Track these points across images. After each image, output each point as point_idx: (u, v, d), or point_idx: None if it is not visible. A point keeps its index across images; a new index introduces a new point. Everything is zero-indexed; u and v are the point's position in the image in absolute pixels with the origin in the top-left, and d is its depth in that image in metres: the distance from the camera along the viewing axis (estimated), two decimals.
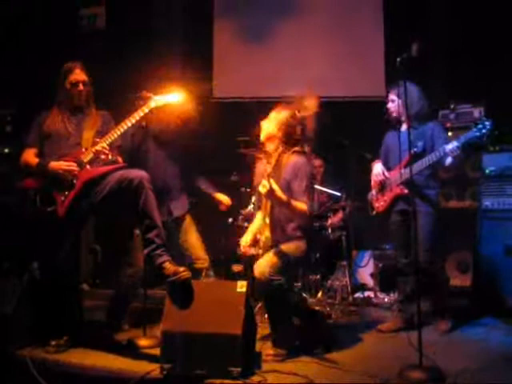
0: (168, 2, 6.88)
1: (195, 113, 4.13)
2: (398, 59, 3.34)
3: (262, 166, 3.84)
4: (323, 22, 6.96)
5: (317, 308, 4.69)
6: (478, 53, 5.93)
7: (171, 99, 3.72)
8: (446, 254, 4.85)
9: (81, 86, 3.75)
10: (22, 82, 5.71)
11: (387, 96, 4.47)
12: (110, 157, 3.61)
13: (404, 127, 4.20)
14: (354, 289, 5.48)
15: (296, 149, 3.71)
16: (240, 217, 5.27)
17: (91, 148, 3.62)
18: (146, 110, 3.63)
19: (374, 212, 4.40)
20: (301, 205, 3.55)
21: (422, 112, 4.21)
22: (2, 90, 5.50)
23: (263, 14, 6.97)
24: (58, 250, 3.58)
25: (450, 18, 6.29)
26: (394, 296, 5.17)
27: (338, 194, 5.71)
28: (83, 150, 3.64)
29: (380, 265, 5.61)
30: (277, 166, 3.65)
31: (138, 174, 3.54)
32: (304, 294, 4.94)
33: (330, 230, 5.50)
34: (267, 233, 3.65)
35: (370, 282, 5.79)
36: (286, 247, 3.61)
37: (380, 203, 4.34)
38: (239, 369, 3.02)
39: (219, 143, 6.27)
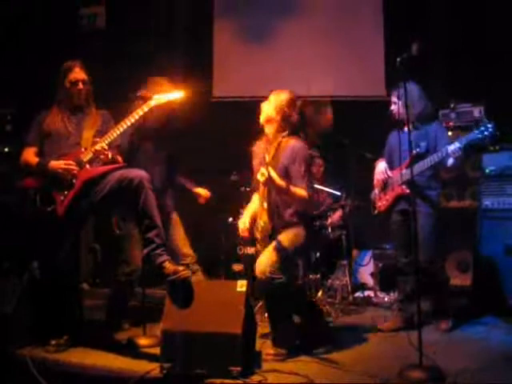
0: (168, 2, 6.88)
1: (179, 111, 4.12)
2: (398, 59, 3.34)
3: (260, 148, 3.80)
4: (323, 22, 6.95)
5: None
6: (477, 53, 5.93)
7: (171, 98, 3.72)
8: (446, 254, 4.85)
9: (80, 85, 3.75)
10: (22, 82, 5.71)
11: (387, 96, 4.47)
12: (109, 156, 3.61)
13: (407, 128, 4.21)
14: (354, 288, 5.48)
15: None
16: (240, 216, 5.27)
17: (91, 147, 3.61)
18: (146, 109, 3.63)
19: (376, 211, 4.41)
20: (300, 190, 3.54)
21: (425, 112, 4.22)
22: (2, 90, 5.50)
23: (263, 14, 6.97)
24: (57, 249, 3.58)
25: (450, 18, 6.29)
26: (393, 295, 5.18)
27: (338, 193, 5.71)
28: (83, 149, 3.64)
29: (380, 264, 5.61)
30: (276, 152, 3.60)
31: (137, 173, 3.53)
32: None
33: (330, 229, 5.50)
34: (265, 218, 3.59)
35: (370, 281, 5.80)
36: (285, 236, 3.58)
37: (382, 202, 4.35)
38: (239, 368, 3.02)
39: (219, 143, 6.29)
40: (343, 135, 5.65)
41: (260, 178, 3.45)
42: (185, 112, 4.02)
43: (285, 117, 3.68)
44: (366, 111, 6.41)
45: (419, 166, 4.05)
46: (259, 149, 3.82)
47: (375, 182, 4.42)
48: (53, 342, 3.54)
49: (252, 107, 3.88)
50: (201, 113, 6.29)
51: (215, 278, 5.06)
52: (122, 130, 3.61)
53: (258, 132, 3.81)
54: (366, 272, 5.89)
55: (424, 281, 3.87)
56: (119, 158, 3.71)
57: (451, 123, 5.30)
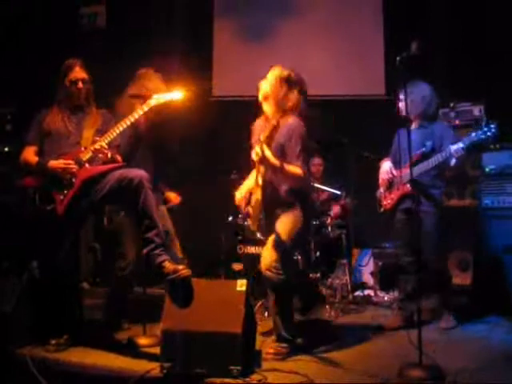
0: (168, 1, 6.88)
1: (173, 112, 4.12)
2: (398, 58, 3.34)
3: (259, 126, 3.76)
4: (323, 21, 6.97)
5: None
6: (477, 52, 5.94)
7: (171, 98, 3.72)
8: (446, 253, 4.86)
9: (80, 84, 3.74)
10: (22, 81, 5.71)
11: (387, 95, 4.49)
12: (108, 156, 3.61)
13: (413, 126, 4.28)
14: (353, 287, 5.49)
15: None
16: (239, 215, 5.27)
17: (90, 147, 3.61)
18: (146, 109, 3.63)
19: (382, 209, 4.44)
20: (294, 168, 3.51)
21: (431, 111, 4.26)
22: (2, 89, 5.50)
23: (263, 14, 6.98)
24: (57, 248, 3.58)
25: (450, 17, 6.29)
26: (393, 294, 5.18)
27: (338, 192, 5.72)
28: (82, 148, 3.63)
29: (380, 263, 5.61)
30: (273, 131, 3.54)
31: (137, 173, 3.53)
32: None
33: (329, 229, 5.51)
34: (259, 195, 3.56)
35: (370, 280, 5.80)
36: (282, 225, 3.57)
37: (387, 201, 4.38)
38: (239, 367, 3.02)
39: (219, 142, 6.29)
40: (342, 134, 5.65)
41: (254, 156, 3.45)
42: (180, 111, 4.00)
43: (281, 94, 3.63)
44: (365, 110, 6.42)
45: (423, 166, 4.09)
46: (258, 127, 3.77)
47: (380, 181, 4.45)
48: (53, 342, 3.53)
49: (252, 106, 3.88)
50: (200, 112, 6.30)
51: (215, 278, 5.06)
52: (121, 129, 3.60)
53: (259, 109, 3.77)
54: (366, 271, 5.89)
55: (428, 279, 3.96)
56: (119, 158, 3.71)
57: (452, 122, 5.30)
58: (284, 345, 3.52)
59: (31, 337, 3.59)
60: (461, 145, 3.97)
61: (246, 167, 3.94)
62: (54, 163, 3.55)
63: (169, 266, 3.33)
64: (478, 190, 4.95)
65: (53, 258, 3.60)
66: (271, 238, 3.58)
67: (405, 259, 4.23)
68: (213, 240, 5.71)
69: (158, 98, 3.68)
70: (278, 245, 3.53)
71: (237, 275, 4.90)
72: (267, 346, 3.58)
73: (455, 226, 4.91)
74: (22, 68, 5.80)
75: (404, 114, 4.21)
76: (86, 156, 3.59)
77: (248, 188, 3.74)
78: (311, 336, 3.81)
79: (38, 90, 4.72)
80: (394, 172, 4.33)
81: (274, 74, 3.69)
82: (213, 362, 3.04)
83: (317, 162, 6.23)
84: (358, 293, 5.52)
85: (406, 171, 4.17)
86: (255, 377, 3.06)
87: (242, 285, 3.23)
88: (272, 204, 3.63)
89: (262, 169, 3.57)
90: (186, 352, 3.08)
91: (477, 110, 5.28)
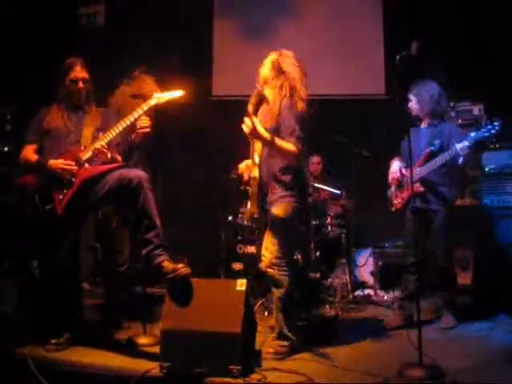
0: (168, 0, 6.88)
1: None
2: (398, 57, 3.35)
3: (262, 113, 3.74)
4: (323, 21, 6.98)
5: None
6: (477, 52, 5.94)
7: (171, 97, 3.72)
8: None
9: (80, 84, 3.74)
10: (22, 81, 5.71)
11: (387, 95, 4.51)
12: (108, 155, 3.61)
13: (423, 125, 4.33)
14: (353, 287, 5.49)
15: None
16: (239, 215, 5.28)
17: (90, 146, 3.61)
18: (145, 108, 3.63)
19: (393, 209, 4.45)
20: (287, 144, 3.49)
21: (440, 110, 4.29)
22: (2, 89, 5.49)
23: (263, 13, 6.99)
24: (57, 248, 3.57)
25: (450, 17, 6.30)
26: (393, 294, 5.19)
27: (338, 191, 5.72)
28: (82, 148, 3.63)
29: (380, 263, 5.62)
30: (259, 100, 3.59)
31: (137, 173, 3.53)
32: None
33: (329, 228, 5.51)
34: (255, 172, 3.59)
35: (370, 279, 5.80)
36: (276, 217, 3.56)
37: (398, 200, 4.39)
38: (239, 367, 3.01)
39: (218, 141, 6.29)
40: (342, 134, 5.65)
41: (245, 128, 3.44)
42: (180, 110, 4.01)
43: (280, 74, 3.63)
44: (365, 110, 6.43)
45: (431, 165, 4.13)
46: (261, 115, 3.73)
47: (390, 180, 4.46)
48: (53, 341, 3.53)
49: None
50: (200, 111, 6.31)
51: (215, 277, 5.05)
52: (121, 128, 3.60)
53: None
54: (366, 270, 5.89)
55: (435, 277, 4.06)
56: (118, 158, 3.71)
57: (459, 121, 5.32)
58: (284, 343, 3.53)
59: (31, 336, 3.59)
60: (466, 143, 3.99)
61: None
62: (53, 163, 3.55)
63: (168, 265, 3.33)
64: (478, 189, 4.95)
65: (53, 257, 3.59)
66: (267, 236, 3.59)
67: (411, 259, 4.24)
68: (213, 239, 5.71)
69: (158, 98, 3.68)
70: (275, 238, 3.54)
71: (236, 275, 4.90)
72: (267, 345, 3.58)
73: (455, 225, 4.92)
74: (22, 68, 5.80)
75: (414, 113, 4.27)
76: (85, 155, 3.59)
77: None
78: (311, 335, 3.80)
79: (37, 90, 4.71)
80: (404, 171, 4.34)
81: (270, 59, 3.71)
82: (212, 362, 3.04)
83: (316, 160, 6.23)
84: (357, 292, 5.53)
85: (415, 170, 4.21)
86: (255, 376, 3.05)
87: (241, 284, 3.23)
88: (268, 183, 3.62)
89: (258, 146, 3.60)
90: (186, 351, 3.08)
91: (476, 110, 5.30)
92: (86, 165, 3.58)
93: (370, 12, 6.90)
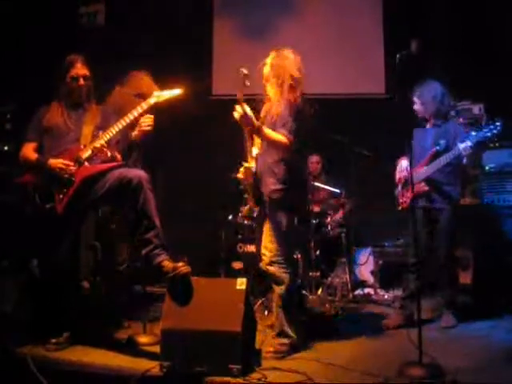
0: (168, 0, 6.87)
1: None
2: (398, 55, 3.35)
3: (264, 110, 3.80)
4: (323, 19, 6.97)
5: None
6: (477, 52, 5.95)
7: (171, 95, 3.71)
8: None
9: (81, 81, 3.73)
10: (22, 80, 5.70)
11: (386, 94, 4.53)
12: (108, 154, 3.61)
13: (428, 125, 4.35)
14: (354, 286, 5.49)
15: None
16: (240, 214, 5.28)
17: (90, 145, 3.61)
18: (145, 107, 3.63)
19: (400, 207, 4.45)
20: (276, 135, 3.52)
21: (443, 110, 4.30)
22: (2, 88, 5.49)
23: (263, 12, 6.98)
24: (57, 247, 3.57)
25: (450, 17, 6.30)
26: (393, 293, 5.19)
27: (338, 191, 5.72)
28: (82, 146, 3.63)
29: (380, 262, 5.62)
30: (273, 107, 3.64)
31: (136, 173, 3.52)
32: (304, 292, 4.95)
33: (329, 227, 5.51)
34: (252, 163, 3.66)
35: (370, 278, 5.80)
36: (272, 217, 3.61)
37: (404, 199, 4.39)
38: (239, 366, 3.01)
39: (218, 141, 6.29)
40: (342, 133, 5.65)
41: (236, 115, 3.47)
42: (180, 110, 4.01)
43: (278, 72, 3.66)
44: (365, 109, 6.42)
45: (435, 164, 4.15)
46: (264, 112, 3.80)
47: (397, 179, 4.47)
48: (53, 341, 3.53)
49: (251, 105, 3.88)
50: (200, 111, 6.31)
51: (215, 276, 5.06)
52: (120, 127, 3.60)
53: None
54: (366, 270, 5.89)
55: (438, 276, 4.10)
56: (118, 156, 3.70)
57: (461, 119, 5.32)
58: (284, 341, 3.53)
59: (31, 336, 3.58)
60: (468, 143, 4.01)
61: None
62: (53, 162, 3.54)
63: (168, 264, 3.33)
64: (479, 188, 4.96)
65: (53, 256, 3.59)
66: (265, 234, 3.62)
67: (411, 259, 4.24)
68: (213, 239, 5.71)
69: (158, 96, 3.68)
70: (273, 236, 3.57)
71: (237, 274, 4.90)
72: (267, 344, 3.58)
73: (456, 224, 4.92)
74: (22, 67, 5.80)
75: (420, 115, 4.29)
76: (85, 154, 3.58)
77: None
78: (311, 334, 3.80)
79: (37, 90, 4.71)
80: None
81: (270, 58, 3.76)
82: (213, 361, 3.04)
83: (315, 159, 6.23)
84: (358, 291, 5.53)
85: (421, 170, 4.23)
86: (255, 375, 3.05)
87: (241, 283, 3.23)
88: (263, 174, 3.66)
89: (258, 140, 3.65)
90: (186, 351, 3.08)
91: (476, 109, 5.30)
92: (86, 164, 3.58)
93: (370, 12, 6.90)
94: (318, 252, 5.26)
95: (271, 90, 3.72)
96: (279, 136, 3.52)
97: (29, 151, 3.68)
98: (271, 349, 3.48)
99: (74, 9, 6.68)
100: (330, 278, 5.37)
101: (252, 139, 3.69)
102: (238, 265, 5.13)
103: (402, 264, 4.38)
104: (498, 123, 3.96)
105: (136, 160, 4.09)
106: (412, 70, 3.42)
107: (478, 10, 6.07)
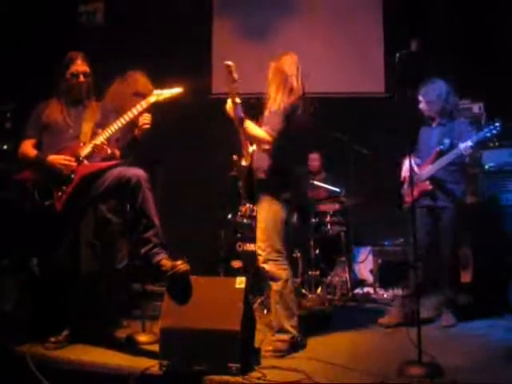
0: (168, 0, 6.87)
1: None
2: (397, 54, 3.35)
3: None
4: (323, 19, 6.97)
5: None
6: (477, 51, 5.95)
7: (170, 94, 3.71)
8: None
9: (81, 78, 3.72)
10: (22, 79, 5.70)
11: (386, 93, 4.54)
12: (108, 151, 3.60)
13: (434, 124, 4.37)
14: (353, 285, 5.49)
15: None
16: (239, 213, 5.28)
17: (89, 142, 3.60)
18: (145, 105, 3.63)
19: (405, 206, 4.45)
20: (258, 130, 3.56)
21: (448, 108, 4.31)
22: (2, 87, 5.49)
23: (263, 12, 6.98)
24: (56, 245, 3.57)
25: (450, 17, 6.30)
26: (393, 292, 5.19)
27: (337, 189, 5.72)
28: (81, 144, 3.62)
29: (379, 261, 5.62)
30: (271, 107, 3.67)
31: (135, 172, 3.51)
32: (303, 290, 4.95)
33: (329, 226, 5.51)
34: (247, 161, 3.72)
35: (369, 277, 5.81)
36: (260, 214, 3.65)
37: (409, 198, 4.38)
38: (238, 365, 3.01)
39: (218, 140, 6.28)
40: (342, 132, 5.66)
41: (227, 108, 3.55)
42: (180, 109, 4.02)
43: (279, 78, 3.70)
44: (365, 108, 6.42)
45: (439, 164, 4.18)
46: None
47: (403, 177, 4.47)
48: (52, 339, 3.53)
49: (251, 104, 3.89)
50: (200, 110, 6.31)
51: (214, 275, 5.06)
52: (120, 125, 3.59)
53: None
54: (366, 268, 5.89)
55: (440, 275, 4.13)
56: (117, 153, 3.70)
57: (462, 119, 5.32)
58: (284, 337, 3.53)
59: (30, 334, 3.59)
60: (469, 143, 4.03)
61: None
62: (52, 159, 3.53)
63: (167, 263, 3.33)
64: (478, 187, 4.96)
65: (52, 255, 3.59)
66: (257, 231, 3.65)
67: (412, 258, 4.23)
68: (212, 238, 5.71)
69: (158, 95, 3.68)
70: (263, 229, 3.60)
71: (236, 273, 4.90)
72: (266, 343, 3.58)
73: None
74: (22, 66, 5.80)
75: (426, 114, 4.30)
76: (84, 152, 3.57)
77: None
78: (310, 333, 3.80)
79: (37, 89, 4.71)
80: (417, 169, 4.35)
81: (274, 61, 3.81)
82: (212, 360, 3.03)
83: (314, 157, 6.22)
84: (357, 290, 5.53)
85: (426, 169, 4.25)
86: (254, 374, 3.05)
87: (241, 282, 3.23)
88: (256, 170, 3.69)
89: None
90: (185, 349, 3.07)
91: (476, 108, 5.31)
92: (85, 161, 3.58)
93: (370, 11, 6.91)
94: (317, 251, 5.26)
95: (271, 91, 3.74)
96: (260, 132, 3.56)
97: (28, 148, 3.68)
98: (270, 347, 3.48)
99: (73, 7, 6.68)
100: (329, 277, 5.37)
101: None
102: (237, 264, 5.13)
103: (402, 263, 4.38)
104: (497, 124, 3.99)
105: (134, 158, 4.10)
106: (412, 70, 3.42)
107: (478, 10, 6.07)
